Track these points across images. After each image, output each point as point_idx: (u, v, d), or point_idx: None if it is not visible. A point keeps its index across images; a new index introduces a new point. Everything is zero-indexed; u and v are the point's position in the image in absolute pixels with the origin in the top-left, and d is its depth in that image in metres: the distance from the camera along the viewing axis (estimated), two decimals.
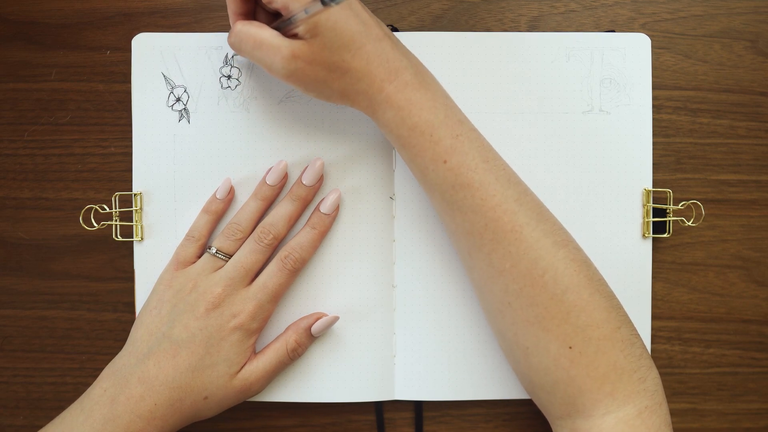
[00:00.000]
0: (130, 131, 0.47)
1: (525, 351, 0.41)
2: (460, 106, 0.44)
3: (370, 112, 0.42)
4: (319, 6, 0.35)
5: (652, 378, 0.39)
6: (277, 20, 0.41)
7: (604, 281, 0.41)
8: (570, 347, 0.39)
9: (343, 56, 0.39)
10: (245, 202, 0.46)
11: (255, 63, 0.42)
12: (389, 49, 0.40)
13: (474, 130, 0.42)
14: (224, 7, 0.49)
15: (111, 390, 0.42)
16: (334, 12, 0.38)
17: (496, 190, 0.40)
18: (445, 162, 0.40)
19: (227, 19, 0.48)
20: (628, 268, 0.48)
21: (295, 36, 0.39)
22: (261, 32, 0.40)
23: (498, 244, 0.40)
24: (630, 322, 0.40)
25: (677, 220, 0.48)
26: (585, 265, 0.40)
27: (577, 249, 0.41)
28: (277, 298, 0.45)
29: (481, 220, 0.40)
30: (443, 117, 0.41)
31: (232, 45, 0.42)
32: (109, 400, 0.41)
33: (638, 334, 0.40)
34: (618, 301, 0.41)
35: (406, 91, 0.40)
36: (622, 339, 0.39)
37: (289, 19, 0.39)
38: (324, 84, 0.40)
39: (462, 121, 0.42)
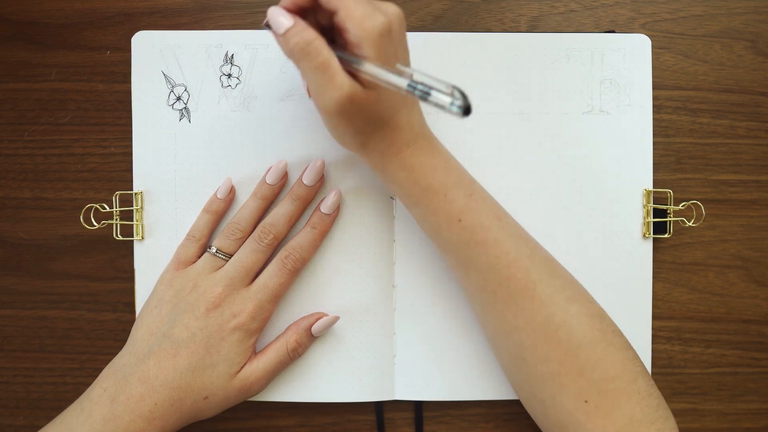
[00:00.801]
0: (130, 131, 0.47)
1: (542, 404, 0.41)
2: None
3: (380, 168, 0.42)
4: (404, 88, 0.34)
5: (669, 428, 0.39)
6: (331, 43, 0.37)
7: (619, 332, 0.41)
8: (585, 401, 0.39)
9: (384, 114, 0.39)
10: (245, 202, 0.46)
11: (301, 74, 0.39)
12: (416, 116, 0.41)
13: (484, 189, 0.42)
14: (224, 7, 0.48)
15: (111, 390, 0.42)
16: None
17: (510, 247, 0.40)
18: (459, 221, 0.40)
19: (227, 19, 0.48)
20: (629, 268, 0.48)
21: (352, 74, 0.37)
22: (331, 58, 0.36)
23: (512, 301, 0.40)
24: (646, 372, 0.40)
25: (677, 220, 0.48)
26: (598, 318, 0.40)
27: (590, 302, 0.41)
28: (278, 298, 0.45)
29: (495, 278, 0.40)
30: (456, 178, 0.41)
31: (292, 47, 0.36)
32: (109, 400, 0.41)
33: (654, 385, 0.40)
34: (634, 351, 0.41)
35: (421, 155, 0.41)
36: (638, 391, 0.39)
37: (351, 59, 0.36)
38: (353, 132, 0.40)
39: (473, 181, 0.42)
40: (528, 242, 0.42)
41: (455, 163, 0.42)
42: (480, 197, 0.41)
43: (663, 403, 0.40)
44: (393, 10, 0.37)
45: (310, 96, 0.40)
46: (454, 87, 0.33)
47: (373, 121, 0.39)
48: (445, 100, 0.32)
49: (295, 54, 0.36)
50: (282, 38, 0.36)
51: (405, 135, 0.40)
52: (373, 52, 0.35)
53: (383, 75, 0.35)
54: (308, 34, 0.36)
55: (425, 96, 0.33)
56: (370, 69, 0.35)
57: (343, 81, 0.36)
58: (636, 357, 0.40)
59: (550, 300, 0.40)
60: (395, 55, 0.37)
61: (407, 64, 0.39)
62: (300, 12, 0.37)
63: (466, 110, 0.32)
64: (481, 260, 0.41)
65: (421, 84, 0.33)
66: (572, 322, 0.39)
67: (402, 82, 0.34)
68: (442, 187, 0.41)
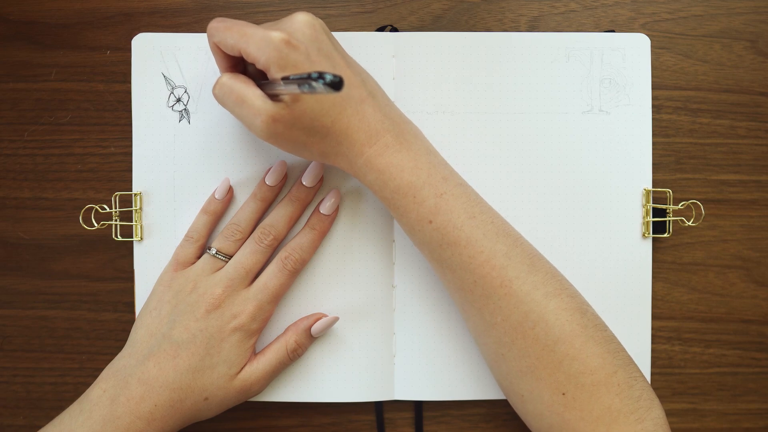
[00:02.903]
0: (130, 131, 0.47)
1: (521, 398, 0.41)
2: (460, 106, 0.44)
3: (352, 173, 0.42)
4: (295, 89, 0.34)
5: (652, 418, 0.39)
6: (262, 79, 0.40)
7: (602, 326, 0.41)
8: (563, 393, 0.39)
9: (323, 121, 0.39)
10: (244, 203, 0.46)
11: (235, 117, 0.41)
12: (370, 111, 0.40)
13: (460, 185, 0.42)
14: (224, 7, 0.49)
15: (111, 391, 0.41)
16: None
17: (483, 246, 0.40)
18: (430, 222, 0.40)
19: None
20: (628, 268, 0.48)
21: (276, 95, 0.39)
22: (245, 90, 0.39)
23: (488, 300, 0.40)
24: (630, 364, 0.40)
25: (677, 220, 0.48)
26: (579, 313, 0.40)
27: (572, 296, 0.41)
28: (278, 298, 0.45)
29: (470, 277, 0.40)
30: (426, 177, 0.41)
31: (216, 96, 0.41)
32: (109, 401, 0.41)
33: (639, 376, 0.40)
34: (617, 344, 0.40)
35: (387, 155, 0.40)
36: (618, 383, 0.39)
37: (272, 84, 0.38)
38: (303, 146, 0.40)
39: (446, 177, 0.41)
40: (506, 238, 0.41)
41: (426, 158, 0.41)
42: (452, 195, 0.41)
43: (647, 395, 0.40)
44: (297, 17, 0.39)
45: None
46: (320, 74, 0.32)
47: (314, 130, 0.39)
48: (316, 81, 0.32)
49: (220, 100, 0.41)
50: (212, 93, 0.41)
51: (360, 134, 0.40)
52: (278, 68, 0.37)
53: (278, 87, 0.36)
54: (221, 79, 0.40)
55: (308, 85, 0.32)
56: (274, 85, 0.37)
57: (260, 106, 0.38)
58: (618, 350, 0.40)
59: (527, 297, 0.40)
60: (309, 60, 0.38)
61: (336, 61, 0.39)
62: (234, 68, 0.41)
63: (335, 84, 0.31)
64: (455, 260, 0.41)
65: (294, 77, 0.33)
66: (550, 318, 0.39)
67: (292, 87, 0.34)
68: (410, 189, 0.40)
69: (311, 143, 0.40)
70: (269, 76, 0.38)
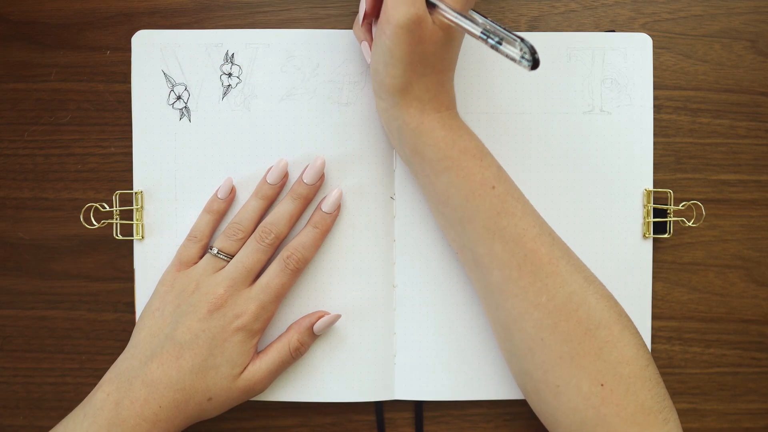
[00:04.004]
0: (130, 131, 0.47)
1: (555, 390, 0.40)
2: (460, 107, 0.44)
3: (414, 125, 0.41)
4: (477, 35, 0.34)
5: (674, 420, 0.39)
6: None
7: (630, 318, 0.41)
8: (602, 384, 0.39)
9: (437, 63, 0.40)
10: (246, 202, 0.46)
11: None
12: (452, 86, 0.42)
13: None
14: (224, 7, 0.49)
15: (115, 394, 0.41)
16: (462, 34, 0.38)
17: (535, 221, 0.41)
18: (493, 188, 0.41)
19: (227, 19, 0.48)
20: (629, 268, 0.48)
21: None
22: None
23: (536, 277, 0.40)
24: (653, 361, 0.41)
25: (678, 220, 0.48)
26: (613, 300, 0.41)
27: (602, 285, 0.41)
28: (280, 298, 0.45)
29: (521, 251, 0.40)
30: (487, 150, 0.42)
31: None
32: (114, 405, 0.41)
33: (659, 374, 0.40)
34: (643, 339, 0.41)
35: (458, 120, 0.42)
36: (650, 378, 0.39)
37: (438, 1, 0.38)
38: (406, 65, 0.39)
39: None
40: (545, 223, 0.42)
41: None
42: (504, 170, 0.42)
43: (667, 393, 0.40)
44: None
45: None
46: (522, 40, 0.33)
47: (428, 62, 0.39)
48: (515, 52, 0.33)
49: None
50: None
51: (447, 97, 0.41)
52: (459, 4, 0.37)
53: (459, 19, 0.37)
54: None
55: (497, 46, 0.34)
56: (448, 11, 0.37)
57: (419, 2, 0.37)
58: (645, 345, 0.41)
59: (571, 278, 0.40)
60: (469, 2, 0.38)
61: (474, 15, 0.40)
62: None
63: (535, 63, 0.33)
64: (509, 231, 0.40)
65: (494, 33, 0.34)
66: (591, 301, 0.39)
67: (476, 29, 0.35)
68: (478, 152, 0.41)
69: (412, 68, 0.39)
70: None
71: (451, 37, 0.39)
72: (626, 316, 0.41)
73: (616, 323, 0.39)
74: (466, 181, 0.41)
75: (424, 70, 0.40)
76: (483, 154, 0.41)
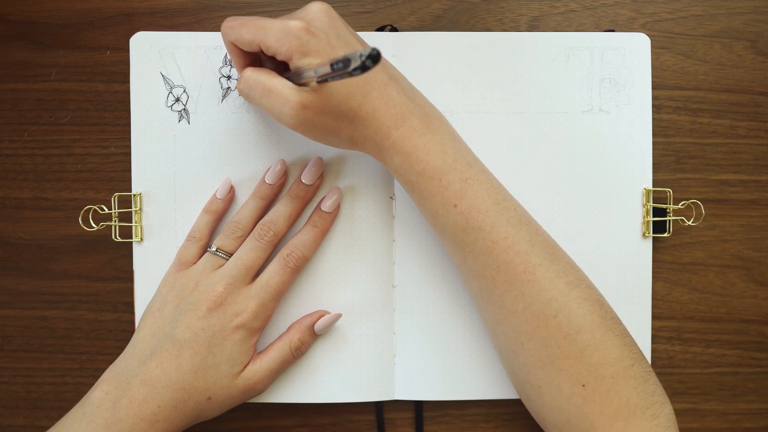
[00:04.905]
0: (130, 131, 0.47)
1: (538, 390, 0.41)
2: (460, 107, 0.44)
3: (379, 158, 0.42)
4: (327, 69, 0.34)
5: (665, 414, 0.39)
6: (286, 71, 0.40)
7: (618, 319, 0.41)
8: (583, 385, 0.39)
9: (350, 105, 0.39)
10: (245, 201, 0.46)
11: (263, 110, 0.42)
12: (395, 95, 0.40)
13: (484, 171, 0.42)
14: (224, 7, 0.49)
15: (113, 393, 0.41)
16: None
17: (507, 232, 0.40)
18: (455, 206, 0.40)
19: None
20: (629, 268, 0.48)
21: (303, 84, 0.39)
22: (271, 80, 0.39)
23: (510, 286, 0.40)
24: (644, 359, 0.41)
25: (677, 219, 0.48)
26: (598, 304, 0.41)
27: (590, 287, 0.41)
28: (280, 296, 0.45)
29: (493, 263, 0.40)
30: (451, 161, 0.41)
31: (241, 91, 0.41)
32: (111, 404, 0.41)
33: (651, 371, 0.41)
34: (631, 338, 0.41)
35: (413, 138, 0.40)
36: (635, 376, 0.39)
37: (299, 73, 0.38)
38: (332, 132, 0.40)
39: (471, 163, 0.41)
40: (528, 226, 0.41)
41: (451, 143, 0.41)
42: (477, 181, 0.41)
43: (660, 390, 0.40)
44: (312, 7, 0.39)
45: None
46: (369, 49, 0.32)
47: (342, 114, 0.39)
48: (358, 59, 0.32)
49: (245, 95, 0.41)
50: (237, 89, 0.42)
51: (387, 117, 0.40)
52: (300, 56, 0.38)
53: (305, 74, 0.37)
54: (244, 74, 0.40)
55: (347, 67, 0.32)
56: (305, 75, 0.37)
57: (288, 93, 0.38)
58: (633, 344, 0.41)
59: (550, 284, 0.40)
60: (329, 45, 0.38)
61: (352, 45, 0.40)
62: (252, 63, 0.41)
63: (374, 58, 0.31)
64: (478, 245, 0.40)
65: (338, 60, 0.33)
66: (572, 307, 0.39)
67: (327, 69, 0.34)
68: (436, 172, 0.40)
69: (339, 128, 0.40)
70: (292, 65, 0.38)
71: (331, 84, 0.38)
72: (612, 318, 0.41)
73: (599, 327, 0.39)
74: (427, 201, 0.41)
75: (348, 119, 0.40)
76: (442, 172, 0.40)
